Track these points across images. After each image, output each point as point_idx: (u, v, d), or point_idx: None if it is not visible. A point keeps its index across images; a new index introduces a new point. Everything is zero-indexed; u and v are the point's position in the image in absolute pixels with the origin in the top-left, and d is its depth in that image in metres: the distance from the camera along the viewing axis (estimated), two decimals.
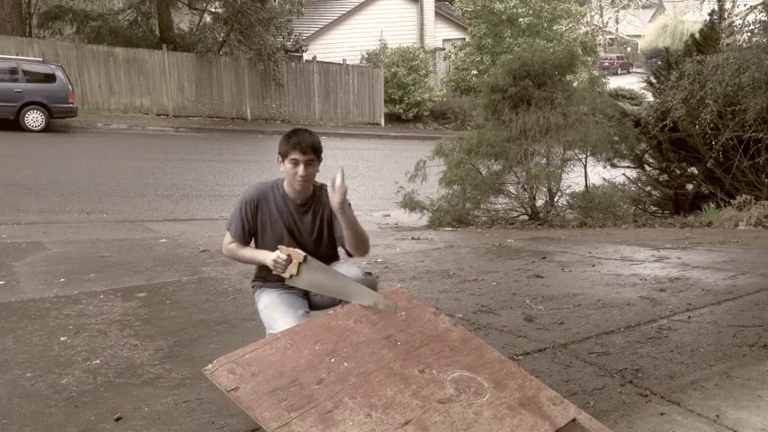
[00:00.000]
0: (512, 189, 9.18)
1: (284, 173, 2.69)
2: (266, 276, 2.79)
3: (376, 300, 2.46)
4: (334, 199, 2.52)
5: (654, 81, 10.76)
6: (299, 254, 2.56)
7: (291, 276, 2.58)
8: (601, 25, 46.95)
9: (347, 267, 2.70)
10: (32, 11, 20.82)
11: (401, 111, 22.35)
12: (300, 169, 2.62)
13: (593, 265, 5.45)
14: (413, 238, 7.26)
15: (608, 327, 3.72)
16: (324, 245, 2.81)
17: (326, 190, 2.64)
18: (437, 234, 7.82)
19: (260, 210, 2.73)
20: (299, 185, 2.67)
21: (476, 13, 23.90)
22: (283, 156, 2.66)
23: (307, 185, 2.69)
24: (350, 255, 2.78)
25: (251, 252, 2.77)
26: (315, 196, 2.77)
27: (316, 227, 2.77)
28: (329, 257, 2.81)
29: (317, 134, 2.76)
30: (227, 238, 2.80)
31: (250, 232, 2.77)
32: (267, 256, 2.64)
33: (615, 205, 8.87)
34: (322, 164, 2.78)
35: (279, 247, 2.62)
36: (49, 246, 6.01)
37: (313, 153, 2.65)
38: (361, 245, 2.71)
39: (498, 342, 3.39)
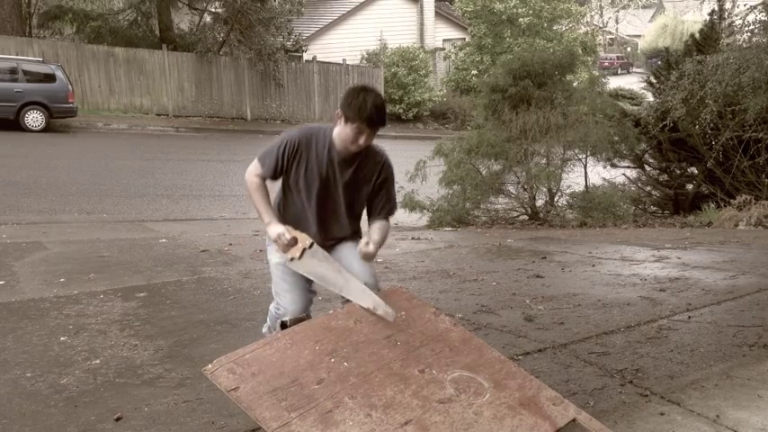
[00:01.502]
0: (512, 189, 9.18)
1: (340, 130, 2.51)
2: None
3: (376, 304, 2.41)
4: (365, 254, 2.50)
5: (654, 81, 10.76)
6: (305, 239, 2.49)
7: (293, 259, 2.50)
8: (601, 25, 46.96)
9: (358, 266, 2.60)
10: (32, 11, 20.82)
11: (401, 111, 22.35)
12: (362, 139, 2.48)
13: (594, 265, 5.45)
14: (413, 238, 7.26)
15: (608, 327, 3.72)
16: (354, 204, 2.67)
17: (374, 153, 2.60)
18: (437, 234, 7.82)
19: (299, 153, 2.57)
20: (354, 150, 2.52)
21: (476, 13, 23.90)
22: (347, 118, 2.46)
23: (360, 150, 2.55)
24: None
25: (264, 204, 2.61)
26: (361, 153, 2.59)
27: (354, 183, 2.62)
28: (352, 221, 2.70)
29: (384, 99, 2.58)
30: (257, 168, 2.63)
31: (281, 171, 2.61)
32: (273, 227, 2.53)
33: (615, 205, 8.87)
34: None
35: (286, 227, 2.53)
36: (48, 246, 6.00)
37: (380, 126, 2.50)
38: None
39: (498, 342, 3.38)
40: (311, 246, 2.49)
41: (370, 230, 2.68)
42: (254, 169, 2.65)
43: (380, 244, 2.63)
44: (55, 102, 15.00)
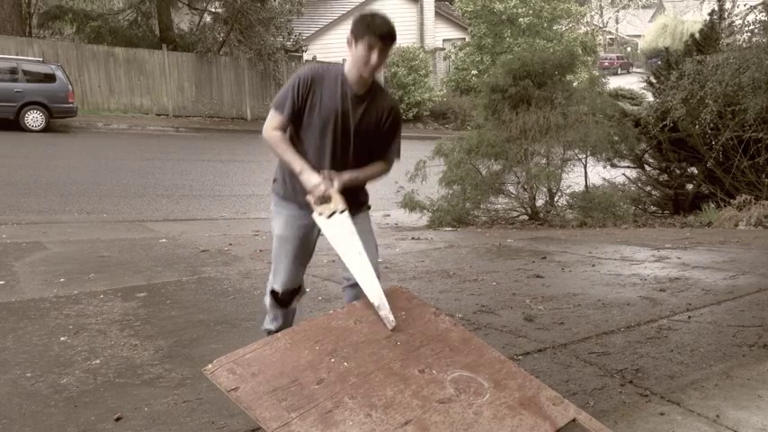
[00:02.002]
0: (512, 189, 9.18)
1: (352, 56, 2.51)
2: (285, 193, 2.69)
3: (381, 303, 2.37)
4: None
5: (654, 81, 10.75)
6: (340, 202, 2.43)
7: (321, 215, 2.44)
8: (601, 25, 46.97)
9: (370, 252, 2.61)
10: (32, 11, 20.83)
11: (401, 110, 22.34)
12: (375, 55, 2.45)
13: (593, 265, 5.45)
14: (413, 238, 7.26)
15: (608, 327, 3.72)
16: (364, 143, 2.64)
17: (382, 92, 2.62)
18: (437, 234, 7.82)
19: (313, 89, 2.54)
20: (368, 72, 2.50)
21: (476, 12, 23.89)
22: (357, 38, 2.46)
23: (373, 74, 2.53)
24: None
25: (292, 153, 2.55)
26: (373, 91, 2.61)
27: (365, 122, 2.61)
28: (361, 161, 2.66)
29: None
30: (274, 119, 2.58)
31: (299, 113, 2.57)
32: (308, 175, 2.49)
33: (615, 205, 8.86)
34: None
35: (325, 181, 2.46)
36: (48, 246, 6.01)
37: (390, 40, 2.49)
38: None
39: (498, 342, 3.38)
40: (343, 212, 2.43)
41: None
42: (271, 122, 2.60)
43: (368, 177, 2.64)
44: (55, 102, 15.01)
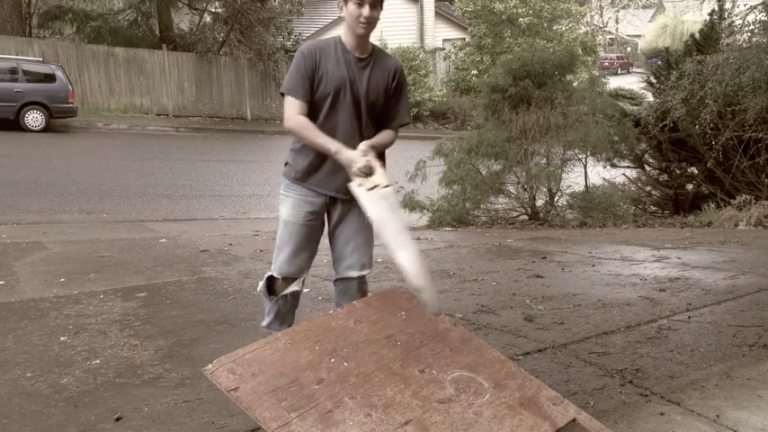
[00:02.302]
0: (512, 189, 9.17)
1: (345, 18, 2.53)
2: (296, 175, 2.66)
3: (424, 286, 2.25)
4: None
5: (654, 81, 10.75)
6: (384, 178, 2.35)
7: (361, 185, 2.35)
8: (601, 25, 46.96)
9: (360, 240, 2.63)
10: (32, 11, 20.83)
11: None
12: (366, 10, 2.46)
13: (594, 265, 5.45)
14: (413, 238, 7.25)
15: (608, 327, 3.72)
16: (374, 110, 2.64)
17: (383, 55, 2.61)
18: (437, 234, 7.82)
19: (320, 61, 2.54)
20: (363, 29, 2.51)
21: (476, 12, 23.90)
22: None
23: (369, 30, 2.53)
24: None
25: (322, 135, 2.51)
26: (375, 53, 2.63)
27: (373, 85, 2.60)
28: (371, 131, 2.65)
29: None
30: (293, 104, 2.55)
31: (312, 89, 2.55)
32: (347, 153, 2.44)
33: (615, 205, 8.86)
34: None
35: (368, 156, 2.40)
36: (48, 246, 6.00)
37: None
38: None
39: (498, 342, 3.38)
40: (387, 187, 2.37)
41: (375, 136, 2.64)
42: (291, 110, 2.57)
43: (384, 146, 2.62)
44: (55, 102, 15.01)
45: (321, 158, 2.61)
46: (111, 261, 5.51)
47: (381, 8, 2.55)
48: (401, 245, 2.39)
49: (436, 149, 9.07)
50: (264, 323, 2.91)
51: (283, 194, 2.75)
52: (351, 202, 2.60)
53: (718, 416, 2.54)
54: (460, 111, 22.14)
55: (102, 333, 3.64)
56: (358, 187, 2.40)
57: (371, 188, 2.37)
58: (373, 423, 1.93)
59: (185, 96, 19.37)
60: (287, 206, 2.72)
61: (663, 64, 10.71)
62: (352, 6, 2.48)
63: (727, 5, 11.54)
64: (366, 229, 2.69)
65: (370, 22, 2.50)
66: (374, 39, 2.70)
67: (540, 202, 9.22)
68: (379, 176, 2.38)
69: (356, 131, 2.60)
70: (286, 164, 2.76)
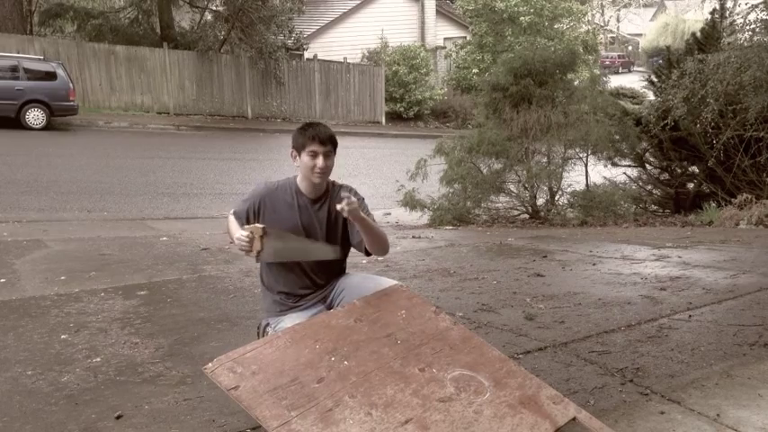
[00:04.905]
0: (512, 188, 9.18)
1: (300, 167, 2.60)
2: (281, 308, 2.68)
3: (335, 252, 2.56)
4: (345, 213, 2.46)
5: (655, 80, 10.74)
6: (257, 227, 2.45)
7: (259, 253, 2.47)
8: (602, 24, 46.92)
9: (358, 282, 2.68)
10: (33, 9, 20.80)
11: (402, 109, 22.33)
12: (319, 161, 2.54)
13: (594, 264, 5.45)
14: (413, 237, 7.26)
15: (608, 325, 3.72)
16: (337, 240, 2.70)
17: (339, 188, 2.64)
18: (438, 232, 7.82)
19: (263, 210, 2.62)
20: (318, 178, 2.57)
21: (477, 11, 23.88)
22: (299, 149, 2.57)
23: (324, 178, 2.61)
24: (368, 254, 2.68)
25: (234, 225, 2.62)
26: (328, 192, 2.68)
27: (330, 224, 2.67)
28: (340, 260, 2.73)
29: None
30: (234, 224, 2.66)
31: (251, 222, 2.63)
32: (236, 233, 2.53)
33: (616, 204, 8.86)
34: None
35: (243, 227, 2.52)
36: (49, 244, 6.01)
37: (331, 144, 2.58)
38: (382, 245, 2.63)
39: (499, 341, 3.39)
40: (264, 231, 2.45)
41: None
42: (231, 210, 2.73)
43: (370, 222, 2.60)
44: (56, 100, 14.98)
45: (287, 273, 2.65)
46: (111, 259, 5.51)
47: (334, 157, 2.62)
48: (304, 247, 2.55)
49: (437, 148, 9.07)
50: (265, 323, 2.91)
51: (279, 329, 2.55)
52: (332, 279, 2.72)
53: (718, 415, 2.54)
54: (461, 109, 22.13)
55: (103, 331, 3.64)
56: (258, 256, 2.49)
57: (262, 246, 2.45)
58: (374, 422, 1.93)
59: (186, 94, 19.35)
60: (285, 321, 2.58)
61: (664, 63, 10.70)
62: (306, 158, 2.55)
63: (729, 4, 11.54)
64: (365, 278, 2.76)
65: (325, 172, 2.58)
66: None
67: (540, 201, 9.22)
68: (255, 231, 2.45)
69: (321, 264, 2.66)
70: (263, 309, 2.80)
